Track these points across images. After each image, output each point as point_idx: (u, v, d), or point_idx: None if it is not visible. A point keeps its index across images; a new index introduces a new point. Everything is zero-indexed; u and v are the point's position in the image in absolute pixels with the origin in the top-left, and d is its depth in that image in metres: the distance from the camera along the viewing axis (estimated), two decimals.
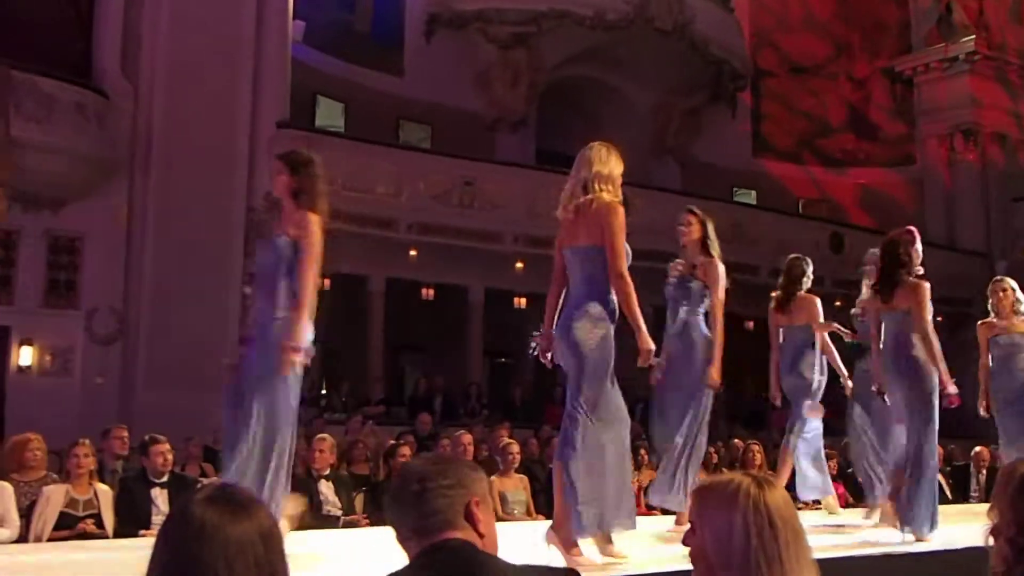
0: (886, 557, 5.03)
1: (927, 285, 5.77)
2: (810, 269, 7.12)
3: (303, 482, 7.33)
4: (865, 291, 6.98)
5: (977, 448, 10.99)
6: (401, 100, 18.44)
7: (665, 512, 6.46)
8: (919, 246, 5.95)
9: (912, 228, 6.11)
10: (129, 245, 13.44)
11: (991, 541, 2.56)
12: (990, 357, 7.24)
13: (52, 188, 12.60)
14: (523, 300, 17.15)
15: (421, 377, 17.03)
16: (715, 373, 5.89)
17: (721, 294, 5.97)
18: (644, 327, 4.53)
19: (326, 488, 7.31)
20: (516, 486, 7.81)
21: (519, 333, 17.70)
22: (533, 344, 4.81)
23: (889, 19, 24.15)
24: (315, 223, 4.65)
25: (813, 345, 6.96)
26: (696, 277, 6.03)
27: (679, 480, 5.81)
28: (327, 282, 15.98)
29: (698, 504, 1.97)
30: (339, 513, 7.23)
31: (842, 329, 7.27)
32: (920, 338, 5.69)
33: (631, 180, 20.32)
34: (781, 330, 7.05)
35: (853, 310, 7.39)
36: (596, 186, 4.59)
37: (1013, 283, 7.26)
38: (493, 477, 7.65)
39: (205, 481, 7.44)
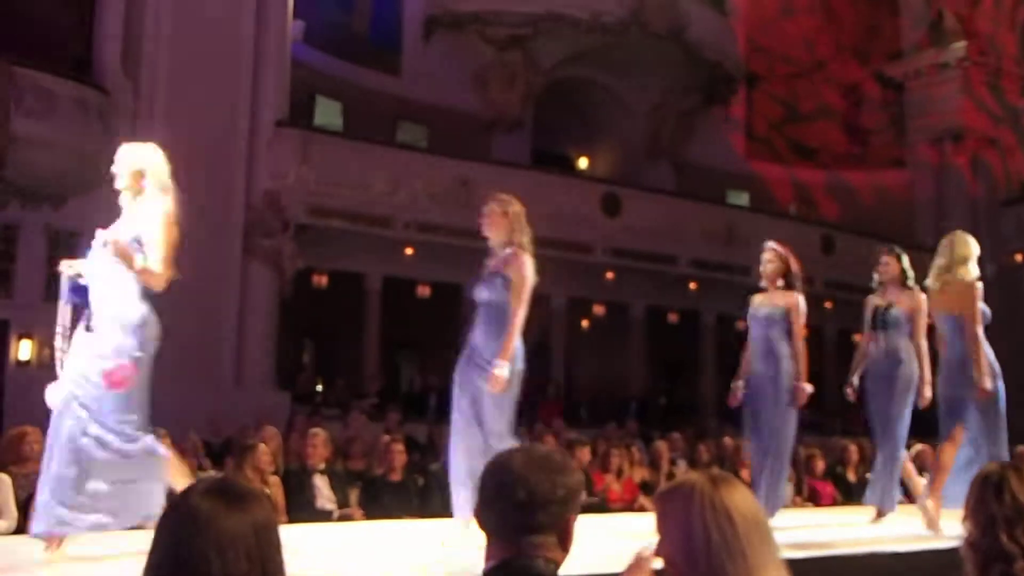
0: (870, 556, 5.10)
1: None
2: None
3: (297, 476, 7.43)
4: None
5: None
6: (399, 100, 18.55)
7: None
8: None
9: None
10: None
11: (966, 549, 2.57)
12: None
13: (52, 184, 12.66)
14: None
15: (416, 374, 17.14)
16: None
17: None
18: (986, 370, 5.73)
19: (321, 482, 7.38)
20: None
21: None
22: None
23: (881, 24, 24.31)
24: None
25: None
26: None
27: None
28: (324, 279, 16.14)
29: (658, 512, 1.93)
30: (334, 508, 7.32)
31: None
32: None
33: (625, 181, 20.30)
34: None
35: None
36: (957, 267, 6.00)
37: None
38: None
39: (202, 475, 7.53)
